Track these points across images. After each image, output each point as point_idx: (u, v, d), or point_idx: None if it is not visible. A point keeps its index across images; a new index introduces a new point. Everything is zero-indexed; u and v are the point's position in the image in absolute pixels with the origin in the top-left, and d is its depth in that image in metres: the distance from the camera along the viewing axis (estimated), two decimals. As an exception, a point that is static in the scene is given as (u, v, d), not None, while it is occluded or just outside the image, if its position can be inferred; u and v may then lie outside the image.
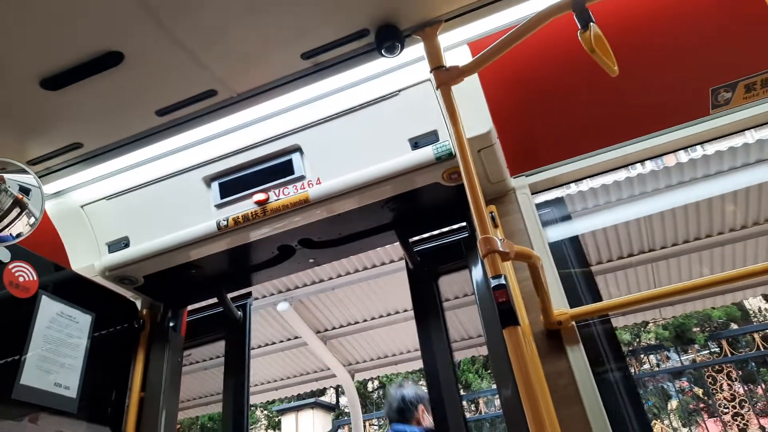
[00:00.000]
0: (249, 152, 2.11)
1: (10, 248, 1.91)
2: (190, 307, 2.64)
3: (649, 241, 4.29)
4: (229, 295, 2.60)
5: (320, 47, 1.66)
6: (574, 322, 1.78)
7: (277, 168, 2.08)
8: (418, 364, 6.39)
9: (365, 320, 5.37)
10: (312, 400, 13.06)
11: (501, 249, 1.29)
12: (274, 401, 9.79)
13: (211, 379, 5.58)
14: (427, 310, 2.20)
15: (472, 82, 1.89)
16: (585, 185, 3.38)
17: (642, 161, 2.33)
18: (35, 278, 1.99)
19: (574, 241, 2.22)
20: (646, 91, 2.03)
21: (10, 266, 1.91)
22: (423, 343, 2.15)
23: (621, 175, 3.42)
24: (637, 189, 3.45)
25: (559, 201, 2.31)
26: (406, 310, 5.25)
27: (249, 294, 2.71)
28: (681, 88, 2.03)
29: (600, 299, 1.98)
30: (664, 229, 4.21)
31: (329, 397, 17.02)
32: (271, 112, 2.04)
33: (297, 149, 2.08)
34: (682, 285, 1.79)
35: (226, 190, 2.13)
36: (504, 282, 1.22)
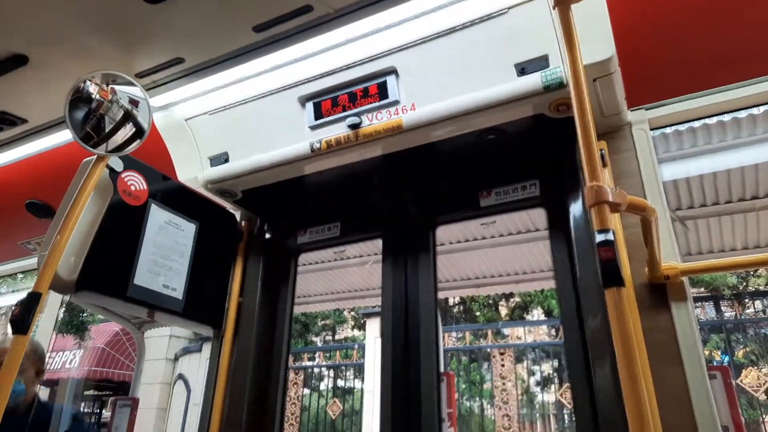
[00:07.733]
0: (343, 73, 2.03)
1: (123, 158, 2.04)
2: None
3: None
4: None
5: None
6: (683, 278, 1.62)
7: (371, 91, 2.00)
8: (497, 290, 6.43)
9: (451, 243, 5.38)
10: (394, 307, 13.71)
11: (612, 200, 1.16)
12: (360, 307, 10.46)
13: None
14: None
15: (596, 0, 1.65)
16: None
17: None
18: (145, 187, 2.12)
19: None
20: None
21: (123, 175, 2.04)
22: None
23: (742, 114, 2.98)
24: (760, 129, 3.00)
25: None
26: (484, 238, 5.21)
27: None
28: None
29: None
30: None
31: (411, 307, 17.74)
32: (367, 31, 1.92)
33: (392, 71, 1.96)
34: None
35: (320, 111, 2.09)
36: (612, 238, 1.10)
